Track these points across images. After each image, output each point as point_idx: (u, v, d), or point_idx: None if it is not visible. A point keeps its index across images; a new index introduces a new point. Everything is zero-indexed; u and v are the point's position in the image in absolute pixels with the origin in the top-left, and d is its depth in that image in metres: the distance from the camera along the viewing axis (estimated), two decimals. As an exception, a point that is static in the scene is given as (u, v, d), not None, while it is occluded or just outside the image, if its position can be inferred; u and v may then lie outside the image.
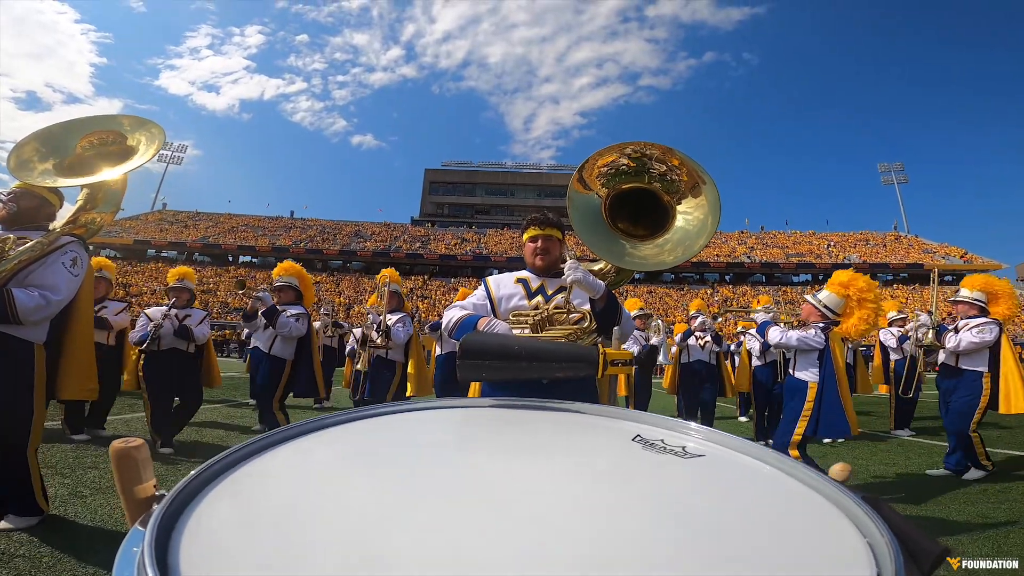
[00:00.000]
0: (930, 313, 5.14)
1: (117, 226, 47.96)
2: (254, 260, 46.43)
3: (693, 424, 0.82)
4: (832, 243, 50.14)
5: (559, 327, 1.84)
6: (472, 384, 2.22)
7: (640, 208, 2.06)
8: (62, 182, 2.67)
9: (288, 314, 4.63)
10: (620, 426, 0.84)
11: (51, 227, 2.72)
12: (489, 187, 64.58)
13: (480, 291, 2.13)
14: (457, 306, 2.08)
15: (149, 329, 4.53)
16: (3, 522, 2.51)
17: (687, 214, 1.99)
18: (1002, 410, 4.20)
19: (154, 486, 0.53)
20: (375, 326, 5.10)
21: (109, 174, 2.70)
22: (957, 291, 4.78)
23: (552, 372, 0.93)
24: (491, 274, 2.31)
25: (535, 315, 1.85)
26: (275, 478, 0.61)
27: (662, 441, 0.75)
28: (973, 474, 4.31)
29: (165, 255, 44.95)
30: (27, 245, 2.47)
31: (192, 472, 0.57)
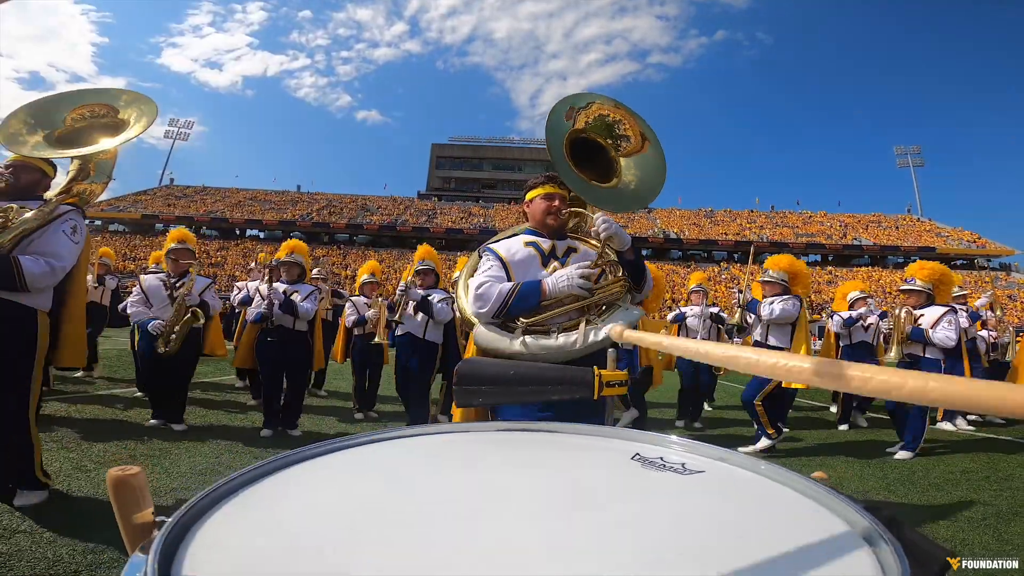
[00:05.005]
0: (741, 291, 5.26)
1: (125, 201, 48.08)
2: (260, 233, 46.51)
3: (690, 441, 0.82)
4: (843, 224, 49.49)
5: (608, 283, 1.80)
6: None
7: (584, 158, 1.94)
8: (54, 153, 2.67)
9: (436, 300, 4.68)
10: (618, 445, 0.84)
11: (46, 197, 2.75)
12: (496, 162, 63.91)
13: (491, 261, 1.89)
14: (491, 278, 1.82)
15: (263, 308, 4.39)
16: (18, 499, 2.56)
17: (630, 162, 1.95)
18: (784, 384, 4.47)
19: (152, 513, 0.53)
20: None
21: (103, 145, 2.68)
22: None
23: (547, 395, 0.93)
24: None
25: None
26: (277, 504, 0.61)
27: (661, 459, 0.75)
28: (763, 443, 4.74)
29: (173, 229, 45.08)
30: (28, 215, 2.50)
31: (193, 498, 0.57)
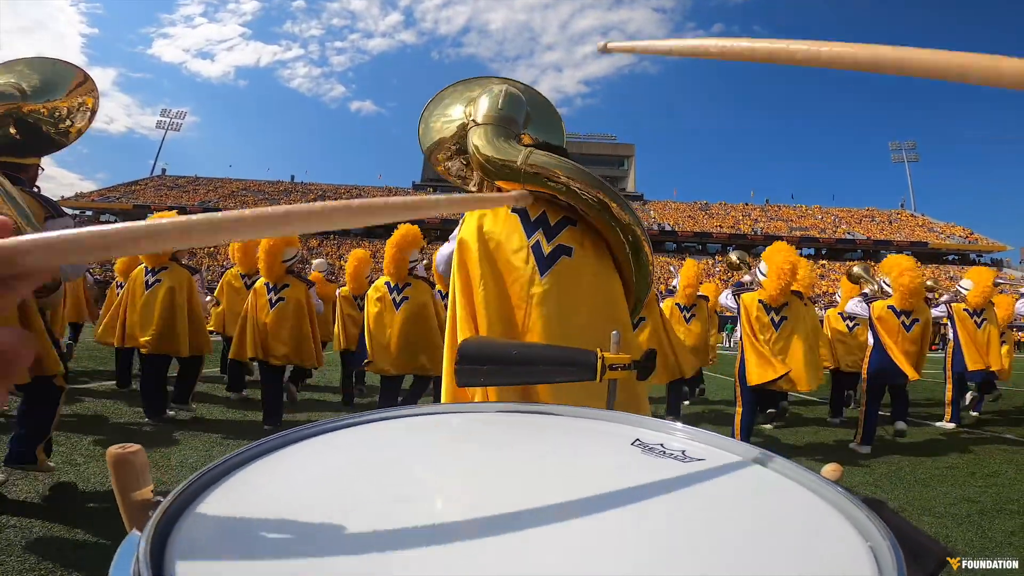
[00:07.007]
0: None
1: (117, 191, 47.61)
2: (254, 224, 46.24)
3: (691, 428, 0.82)
4: (837, 218, 49.75)
5: None
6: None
7: None
8: None
9: None
10: (618, 430, 0.83)
11: None
12: (492, 154, 63.64)
13: None
14: None
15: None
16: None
17: None
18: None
19: (152, 491, 0.52)
20: None
21: None
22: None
23: (550, 377, 0.92)
24: None
25: None
26: (274, 483, 0.61)
27: (661, 445, 0.75)
28: None
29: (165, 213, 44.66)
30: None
31: (190, 477, 0.57)
